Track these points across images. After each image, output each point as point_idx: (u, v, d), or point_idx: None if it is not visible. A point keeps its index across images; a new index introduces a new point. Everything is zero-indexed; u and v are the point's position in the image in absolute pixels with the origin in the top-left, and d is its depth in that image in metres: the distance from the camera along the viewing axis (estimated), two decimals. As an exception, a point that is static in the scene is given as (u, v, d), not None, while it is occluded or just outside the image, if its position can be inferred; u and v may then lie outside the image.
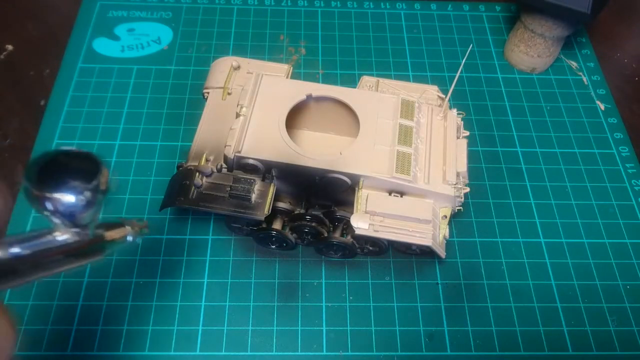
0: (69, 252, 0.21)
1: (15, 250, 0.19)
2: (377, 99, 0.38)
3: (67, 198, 0.19)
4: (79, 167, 0.19)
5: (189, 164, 0.37)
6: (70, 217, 0.19)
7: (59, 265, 0.21)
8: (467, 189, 0.37)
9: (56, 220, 0.20)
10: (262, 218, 0.35)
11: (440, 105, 0.40)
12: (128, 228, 0.24)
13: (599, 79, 0.53)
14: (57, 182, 0.19)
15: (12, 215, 0.41)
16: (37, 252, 0.19)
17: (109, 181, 0.20)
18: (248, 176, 0.36)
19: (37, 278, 0.20)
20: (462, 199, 0.36)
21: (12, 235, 0.19)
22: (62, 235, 0.20)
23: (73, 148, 0.20)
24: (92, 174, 0.19)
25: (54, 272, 0.21)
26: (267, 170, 0.36)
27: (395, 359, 0.37)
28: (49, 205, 0.19)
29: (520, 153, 0.47)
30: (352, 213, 0.35)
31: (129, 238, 0.24)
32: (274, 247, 0.40)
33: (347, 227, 0.38)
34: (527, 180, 0.45)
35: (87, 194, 0.19)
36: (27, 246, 0.19)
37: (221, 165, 0.36)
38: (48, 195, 0.18)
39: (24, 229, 0.41)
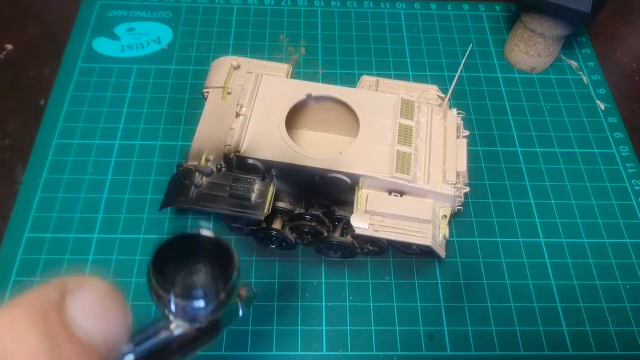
0: (185, 344, 0.18)
1: (130, 357, 0.16)
2: (377, 98, 0.38)
3: (199, 304, 0.16)
4: (205, 251, 0.17)
5: (189, 163, 0.37)
6: (194, 318, 0.17)
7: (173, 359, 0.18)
8: (467, 189, 0.37)
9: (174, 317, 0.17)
10: (262, 218, 0.35)
11: (440, 105, 0.40)
12: (237, 301, 0.22)
13: (599, 78, 0.53)
14: (185, 279, 0.16)
15: (12, 213, 0.41)
16: (153, 353, 0.17)
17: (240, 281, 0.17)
18: (248, 176, 0.36)
19: None
20: (462, 199, 0.36)
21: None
22: (178, 329, 0.17)
23: (200, 231, 0.17)
24: (223, 265, 0.17)
25: None
26: (267, 170, 0.36)
27: (395, 359, 0.37)
28: (173, 307, 0.16)
29: (520, 153, 0.47)
30: (352, 213, 0.35)
31: (240, 313, 0.22)
32: (274, 247, 0.40)
33: (347, 227, 0.38)
34: (527, 180, 0.45)
35: (221, 295, 0.16)
36: (142, 350, 0.16)
37: (221, 165, 0.36)
38: (177, 300, 0.16)
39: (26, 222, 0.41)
